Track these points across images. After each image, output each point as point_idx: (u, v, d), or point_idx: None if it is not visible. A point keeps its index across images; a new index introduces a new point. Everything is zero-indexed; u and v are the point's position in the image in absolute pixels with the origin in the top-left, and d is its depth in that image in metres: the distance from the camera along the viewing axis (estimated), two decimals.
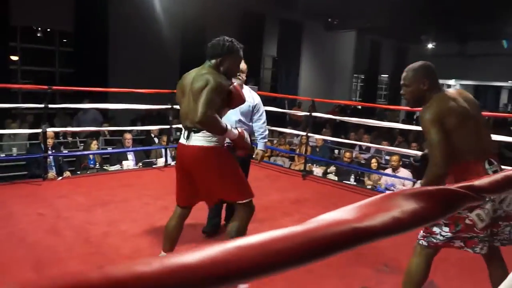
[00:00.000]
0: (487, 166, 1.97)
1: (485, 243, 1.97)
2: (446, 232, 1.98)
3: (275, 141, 8.43)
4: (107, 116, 8.86)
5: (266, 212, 3.63)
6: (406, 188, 5.34)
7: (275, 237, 0.43)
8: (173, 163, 6.05)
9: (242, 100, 2.39)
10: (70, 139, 7.61)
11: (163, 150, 6.03)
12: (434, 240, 2.02)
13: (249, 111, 3.24)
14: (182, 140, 2.37)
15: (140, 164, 5.78)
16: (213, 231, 3.32)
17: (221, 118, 2.27)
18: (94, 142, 6.04)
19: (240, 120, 3.17)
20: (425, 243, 2.05)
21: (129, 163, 5.67)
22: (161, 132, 7.11)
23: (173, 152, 6.60)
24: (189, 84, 2.31)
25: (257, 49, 12.37)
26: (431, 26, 13.60)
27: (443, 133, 1.92)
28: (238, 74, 2.80)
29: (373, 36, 16.15)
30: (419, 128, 6.71)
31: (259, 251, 0.40)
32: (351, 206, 0.51)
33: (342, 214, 0.49)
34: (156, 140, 7.29)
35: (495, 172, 1.92)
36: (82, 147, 7.04)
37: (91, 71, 8.99)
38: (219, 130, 2.24)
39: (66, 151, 6.48)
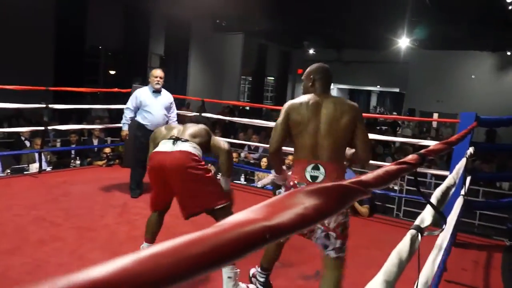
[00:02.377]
0: (309, 169, 2.02)
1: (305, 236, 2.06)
2: None
3: None
4: None
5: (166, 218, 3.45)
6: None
7: (187, 241, 0.40)
8: (48, 168, 5.47)
9: None
10: None
11: (36, 155, 5.41)
12: None
13: (168, 107, 4.38)
14: (165, 148, 2.44)
15: (8, 171, 5.10)
16: None
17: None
18: None
19: (165, 114, 4.30)
20: None
21: None
22: (33, 135, 6.37)
23: (49, 156, 5.98)
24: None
25: (143, 46, 11.90)
26: (312, 33, 14.54)
27: (285, 123, 2.10)
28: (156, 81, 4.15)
29: (260, 39, 16.68)
30: None
31: (173, 258, 0.37)
32: (258, 205, 0.50)
33: (250, 214, 0.47)
34: (27, 143, 6.52)
35: (313, 178, 2.01)
36: None
37: None
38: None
39: None
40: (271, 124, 7.06)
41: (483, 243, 3.79)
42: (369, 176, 0.80)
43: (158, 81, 4.22)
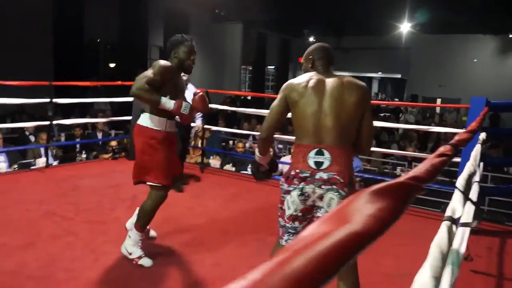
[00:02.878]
0: (311, 154, 1.80)
1: (290, 236, 1.90)
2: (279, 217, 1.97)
3: None
4: None
5: (168, 209, 3.45)
6: None
7: (282, 260, 0.36)
8: (55, 163, 5.45)
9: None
10: None
11: (42, 149, 5.38)
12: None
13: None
14: None
15: (16, 166, 5.08)
16: None
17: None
18: None
19: None
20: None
21: (1, 165, 4.95)
22: (38, 130, 6.34)
23: (54, 150, 5.96)
24: None
25: (142, 38, 11.80)
26: (312, 21, 14.41)
27: (281, 105, 1.92)
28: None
29: (259, 28, 16.55)
30: None
31: (278, 276, 0.33)
32: (331, 212, 0.47)
33: (330, 222, 0.44)
34: (32, 138, 6.49)
35: (317, 164, 1.80)
36: None
37: None
38: (149, 101, 2.53)
39: None
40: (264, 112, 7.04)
41: (495, 229, 3.78)
42: (419, 171, 0.77)
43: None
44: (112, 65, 12.08)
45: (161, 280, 2.50)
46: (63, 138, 7.06)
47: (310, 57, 2.04)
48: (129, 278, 2.50)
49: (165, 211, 2.95)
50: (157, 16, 12.27)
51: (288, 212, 1.86)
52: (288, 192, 1.85)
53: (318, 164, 1.80)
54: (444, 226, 1.05)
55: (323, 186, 1.78)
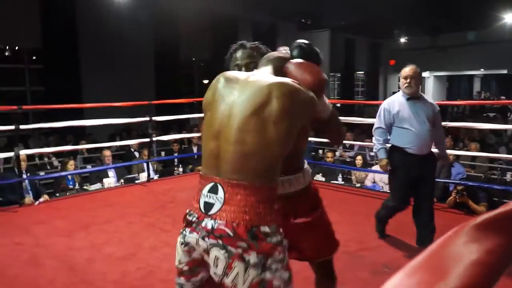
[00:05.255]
0: (205, 191, 1.27)
1: None
2: None
3: None
4: (84, 133, 8.60)
5: None
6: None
7: None
8: (156, 177, 5.88)
9: None
10: (46, 159, 7.33)
11: (144, 165, 5.84)
12: None
13: (432, 118, 3.26)
14: None
15: (122, 181, 5.57)
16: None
17: None
18: (71, 162, 5.79)
19: (428, 129, 3.12)
20: None
21: (110, 180, 5.46)
22: (141, 146, 6.92)
23: (155, 165, 6.43)
24: None
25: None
26: (402, 21, 13.76)
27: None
28: None
29: (347, 34, 16.25)
30: None
31: None
32: (417, 261, 0.38)
33: (419, 276, 0.35)
34: (136, 154, 7.08)
35: (206, 206, 1.25)
36: (59, 168, 6.77)
37: (63, 87, 8.71)
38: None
39: (43, 173, 6.21)
40: (365, 120, 6.82)
41: None
42: None
43: (408, 83, 3.05)
44: (205, 81, 12.74)
45: None
46: (163, 154, 7.58)
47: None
48: None
49: None
50: (245, 31, 12.68)
51: (175, 262, 1.36)
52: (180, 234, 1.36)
53: (207, 206, 1.27)
54: None
55: (206, 239, 1.24)
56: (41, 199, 4.56)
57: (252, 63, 1.76)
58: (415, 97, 3.10)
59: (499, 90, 22.06)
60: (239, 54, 1.84)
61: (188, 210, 1.33)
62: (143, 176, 5.54)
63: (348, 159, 7.45)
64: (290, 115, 1.28)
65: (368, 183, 5.82)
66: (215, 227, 1.22)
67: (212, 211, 1.24)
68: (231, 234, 1.21)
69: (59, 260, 3.00)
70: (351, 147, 8.02)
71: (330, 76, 16.79)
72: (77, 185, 5.59)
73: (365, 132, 8.50)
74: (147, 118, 5.19)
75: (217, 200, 1.25)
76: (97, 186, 5.38)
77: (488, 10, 11.65)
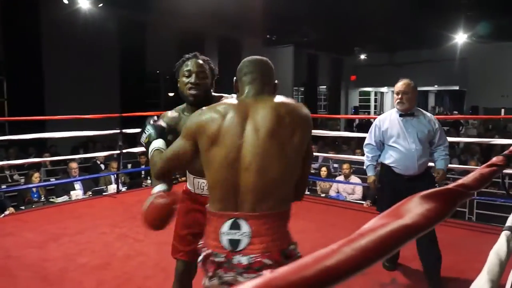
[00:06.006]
0: (224, 229, 1.25)
1: None
2: None
3: None
4: (45, 146, 8.41)
5: None
6: (355, 194, 5.54)
7: (341, 245, 0.49)
8: (124, 189, 5.87)
9: None
10: (6, 173, 7.13)
11: (112, 177, 5.83)
12: None
13: (426, 136, 2.97)
14: None
15: (90, 193, 5.54)
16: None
17: None
18: (36, 174, 5.69)
19: (418, 148, 2.82)
20: None
21: (77, 192, 5.42)
22: (108, 159, 6.87)
23: (122, 177, 6.41)
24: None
25: None
26: (362, 38, 14.39)
27: (186, 147, 1.41)
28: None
29: (310, 50, 16.76)
30: (360, 135, 7.06)
31: (316, 268, 0.45)
32: (385, 212, 0.58)
33: (384, 217, 0.57)
34: (102, 166, 7.03)
35: (233, 243, 1.24)
36: (22, 180, 6.61)
37: (25, 99, 8.52)
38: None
39: (5, 186, 6.05)
40: (328, 133, 7.10)
41: None
42: (468, 179, 0.86)
43: (400, 98, 2.85)
44: (171, 94, 12.76)
45: None
46: (129, 166, 7.55)
47: (234, 78, 1.48)
48: None
49: None
50: (211, 45, 12.86)
51: None
52: (209, 278, 1.32)
53: (234, 243, 1.24)
54: (503, 235, 1.08)
55: (245, 275, 1.23)
56: (7, 212, 4.48)
57: (202, 73, 1.88)
58: (408, 113, 2.85)
59: (452, 105, 23.28)
60: (191, 62, 1.90)
61: (210, 250, 1.29)
62: (111, 188, 5.53)
63: (312, 171, 7.70)
64: (306, 137, 1.34)
65: (332, 193, 6.06)
66: (251, 262, 1.23)
67: (241, 247, 1.24)
68: (270, 263, 1.22)
69: (32, 271, 2.99)
70: (316, 158, 8.28)
71: (294, 90, 17.21)
72: (42, 197, 5.50)
73: (328, 144, 8.82)
74: (117, 131, 5.21)
75: (243, 235, 1.24)
76: (64, 198, 5.32)
77: (440, 30, 12.42)
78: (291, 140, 1.26)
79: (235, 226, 1.24)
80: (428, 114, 2.95)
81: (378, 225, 0.53)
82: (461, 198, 0.74)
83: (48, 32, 8.86)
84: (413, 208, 0.60)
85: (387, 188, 2.90)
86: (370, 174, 3.04)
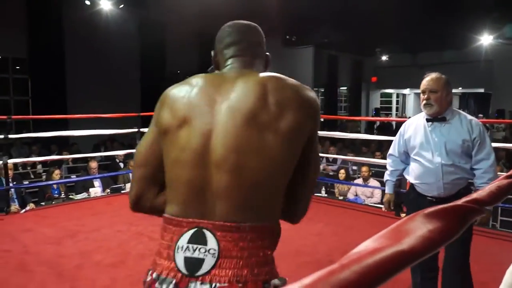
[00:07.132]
0: (182, 242, 0.90)
1: None
2: None
3: None
4: (67, 143, 8.57)
5: None
6: (374, 197, 5.44)
7: (328, 272, 0.42)
8: None
9: None
10: (29, 169, 7.29)
11: (130, 175, 5.87)
12: None
13: (462, 149, 2.30)
14: None
15: (108, 191, 5.60)
16: None
17: None
18: (57, 171, 5.78)
19: (449, 164, 2.20)
20: None
21: (96, 190, 5.48)
22: (127, 157, 6.93)
23: None
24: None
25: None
26: (383, 39, 14.19)
27: (154, 132, 1.09)
28: None
29: (330, 50, 16.63)
30: (380, 137, 6.94)
31: None
32: (382, 232, 0.51)
33: (378, 240, 0.49)
34: (121, 165, 7.10)
35: (190, 264, 0.88)
36: (44, 177, 6.74)
37: (48, 98, 8.70)
38: None
39: (27, 182, 6.18)
40: (348, 135, 7.00)
41: None
42: (482, 193, 0.74)
43: (426, 99, 2.26)
44: None
45: None
46: None
47: (212, 51, 1.16)
48: None
49: None
50: None
51: None
52: None
53: (191, 264, 0.88)
54: None
55: None
56: (27, 208, 4.56)
57: None
58: (439, 118, 2.23)
59: (477, 108, 22.73)
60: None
61: (154, 273, 0.92)
62: (129, 186, 5.56)
63: (331, 173, 7.62)
64: (304, 125, 0.97)
65: (350, 196, 5.97)
66: None
67: (202, 271, 0.87)
68: None
69: (48, 267, 3.03)
70: (334, 161, 8.19)
71: (314, 91, 17.11)
72: (62, 194, 5.59)
73: (347, 146, 8.71)
74: (135, 130, 5.26)
75: (207, 253, 0.87)
76: (83, 195, 5.39)
77: (465, 31, 12.14)
78: (277, 126, 0.90)
79: (197, 239, 0.88)
80: (469, 118, 2.26)
81: (368, 251, 0.46)
82: (472, 216, 0.63)
83: (70, 33, 9.04)
84: (415, 228, 0.52)
85: (411, 208, 2.35)
86: (387, 191, 2.51)
